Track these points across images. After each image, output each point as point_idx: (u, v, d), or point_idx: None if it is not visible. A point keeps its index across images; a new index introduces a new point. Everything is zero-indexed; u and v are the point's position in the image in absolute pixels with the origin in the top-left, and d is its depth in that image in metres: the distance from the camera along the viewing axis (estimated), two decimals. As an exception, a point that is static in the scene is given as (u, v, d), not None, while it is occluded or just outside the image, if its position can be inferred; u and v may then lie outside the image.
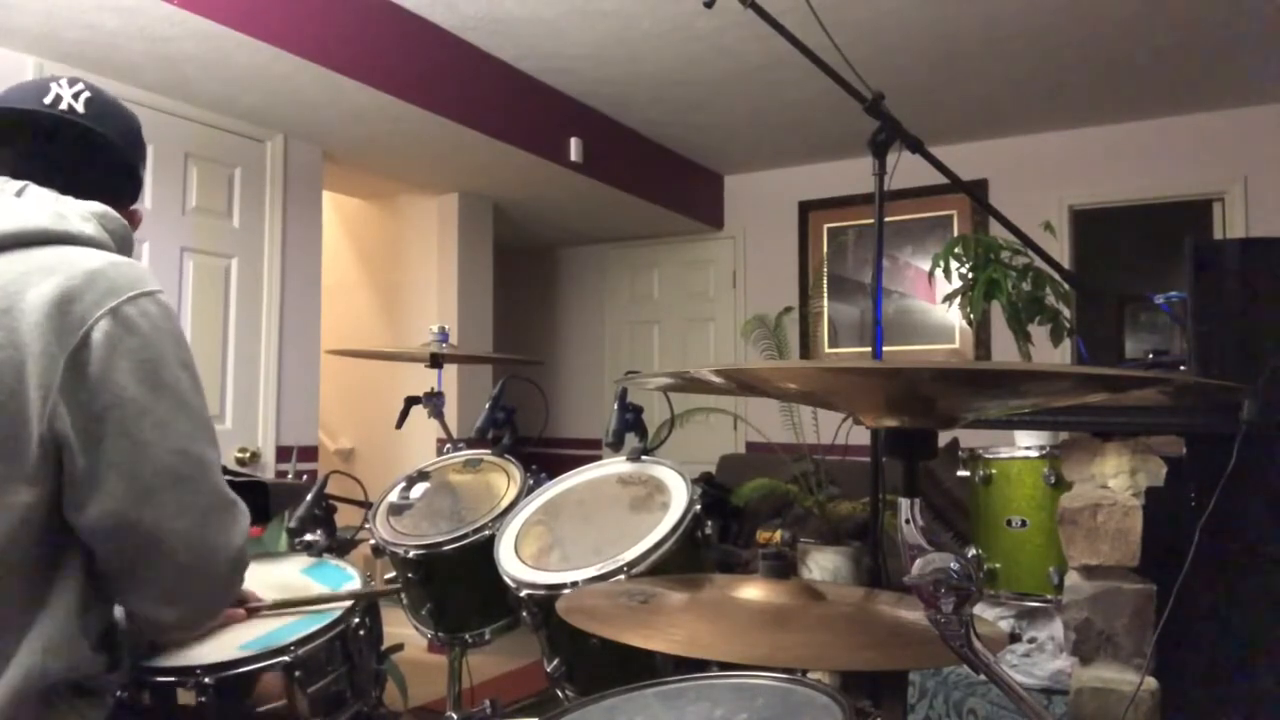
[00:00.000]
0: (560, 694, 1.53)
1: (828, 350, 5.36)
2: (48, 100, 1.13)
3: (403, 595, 1.92)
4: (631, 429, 1.80)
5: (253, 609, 1.37)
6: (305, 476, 3.60)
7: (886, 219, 1.96)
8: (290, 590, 1.49)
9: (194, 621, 1.14)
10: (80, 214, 1.07)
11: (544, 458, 2.54)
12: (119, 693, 1.18)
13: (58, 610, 0.98)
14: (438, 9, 3.39)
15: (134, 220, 1.22)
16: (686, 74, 4.00)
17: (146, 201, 3.24)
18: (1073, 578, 1.84)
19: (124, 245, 1.12)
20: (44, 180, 1.10)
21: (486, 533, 1.76)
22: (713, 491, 4.38)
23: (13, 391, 0.93)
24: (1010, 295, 2.40)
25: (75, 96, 1.15)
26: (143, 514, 0.99)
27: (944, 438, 2.64)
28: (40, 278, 0.97)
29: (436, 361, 2.35)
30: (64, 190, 1.11)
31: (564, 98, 4.29)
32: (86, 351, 0.96)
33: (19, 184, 1.08)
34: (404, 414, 2.32)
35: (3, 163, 1.11)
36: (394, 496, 2.03)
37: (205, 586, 1.08)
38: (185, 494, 1.02)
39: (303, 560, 1.64)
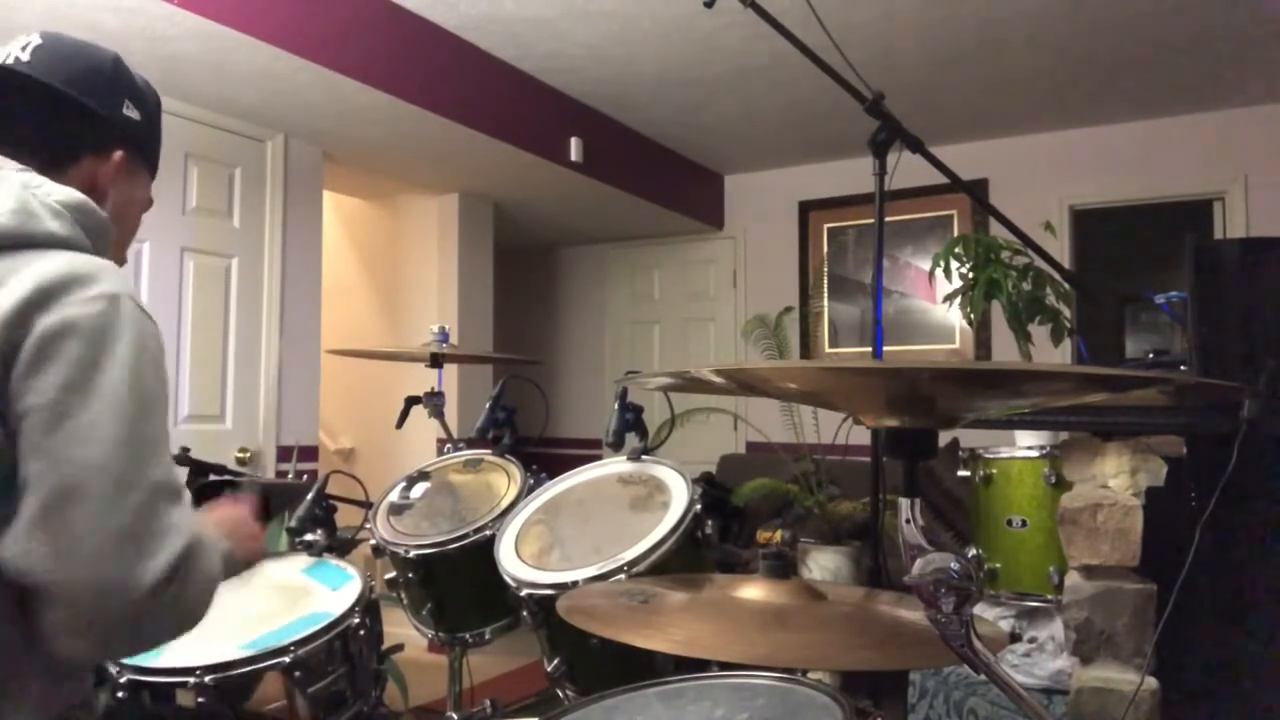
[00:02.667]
0: (560, 694, 1.53)
1: (828, 350, 5.36)
2: None
3: (402, 595, 1.93)
4: (632, 429, 1.80)
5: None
6: (305, 476, 3.61)
7: (887, 219, 1.96)
8: (290, 589, 1.49)
9: (105, 657, 0.99)
10: (51, 208, 0.97)
11: (544, 458, 2.54)
12: (119, 694, 1.18)
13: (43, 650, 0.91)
14: (438, 9, 3.39)
15: (113, 167, 1.11)
16: (686, 74, 4.00)
17: (147, 201, 3.24)
18: (1073, 577, 1.84)
19: (100, 239, 1.02)
20: (10, 149, 1.03)
21: (487, 533, 1.77)
22: (713, 491, 4.37)
23: None
24: (1010, 295, 2.40)
25: (24, 48, 1.07)
26: (39, 534, 0.85)
27: (944, 437, 2.64)
28: None
29: (437, 361, 2.35)
30: (34, 159, 1.03)
31: (564, 98, 4.29)
32: (20, 354, 0.87)
33: None
34: (404, 414, 2.32)
35: None
36: (394, 496, 2.03)
37: (109, 625, 0.88)
38: (90, 514, 0.86)
39: (303, 560, 1.64)
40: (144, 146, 1.17)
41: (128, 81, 1.15)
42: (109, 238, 1.04)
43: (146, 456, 0.91)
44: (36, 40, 1.08)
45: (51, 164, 1.05)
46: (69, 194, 1.00)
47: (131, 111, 1.14)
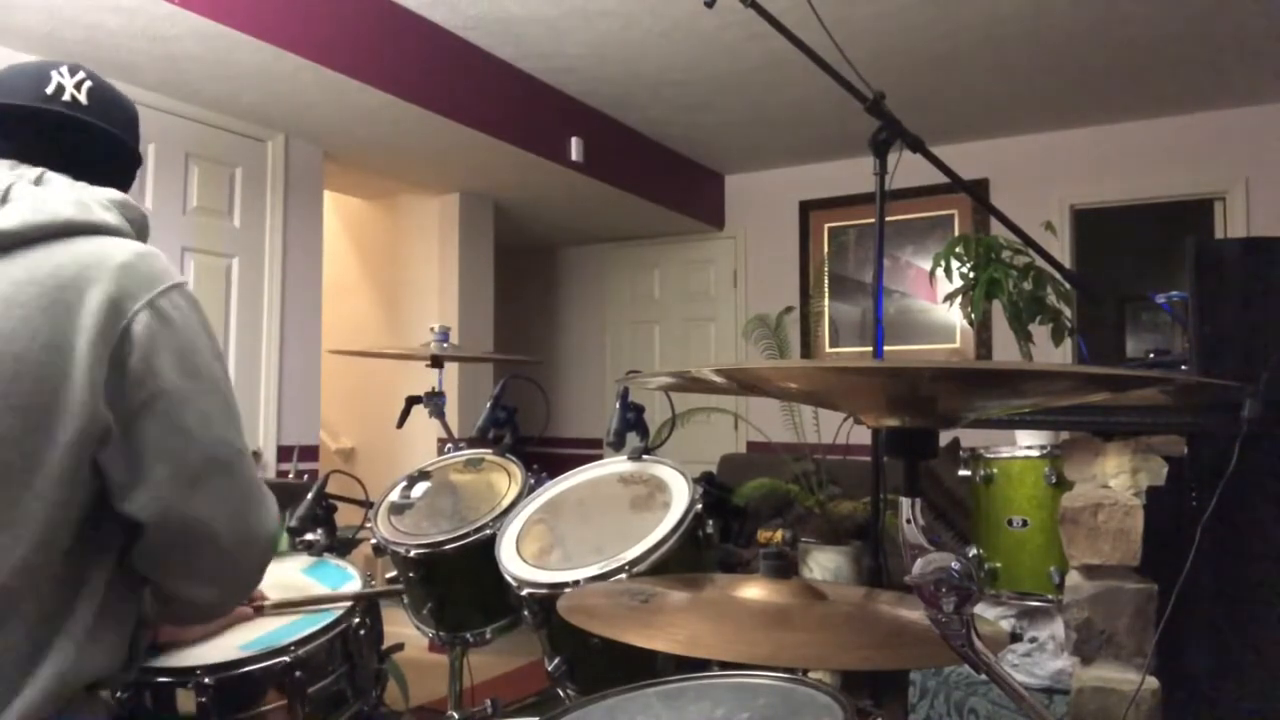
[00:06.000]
0: (561, 693, 1.52)
1: (829, 350, 5.36)
2: (50, 90, 1.11)
3: (404, 595, 1.92)
4: (633, 428, 1.80)
5: (260, 607, 1.37)
6: (306, 476, 3.60)
7: (887, 219, 1.96)
8: (291, 590, 1.49)
9: (228, 602, 1.18)
10: (100, 203, 1.07)
11: (545, 457, 2.54)
12: (119, 693, 1.18)
13: (87, 614, 0.99)
14: (438, 9, 3.39)
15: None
16: (687, 74, 4.00)
17: (147, 201, 3.24)
18: (1074, 577, 1.84)
19: (142, 232, 1.12)
20: (57, 169, 1.09)
21: (488, 532, 1.76)
22: (714, 491, 4.37)
23: (51, 392, 0.94)
24: (1011, 295, 2.40)
25: (78, 87, 1.14)
26: (191, 502, 1.01)
27: (945, 437, 2.64)
28: (76, 271, 0.98)
29: (437, 361, 2.35)
30: (76, 178, 1.10)
31: (564, 97, 4.29)
32: (128, 345, 0.98)
33: (36, 170, 1.07)
34: (405, 413, 2.32)
35: (8, 152, 1.09)
36: (395, 496, 2.03)
37: (243, 570, 1.11)
38: (228, 481, 1.05)
39: (303, 560, 1.64)
40: None
41: (138, 124, 1.25)
42: (147, 231, 1.14)
43: (239, 425, 1.09)
44: (87, 80, 1.15)
45: None
46: (111, 192, 1.11)
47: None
